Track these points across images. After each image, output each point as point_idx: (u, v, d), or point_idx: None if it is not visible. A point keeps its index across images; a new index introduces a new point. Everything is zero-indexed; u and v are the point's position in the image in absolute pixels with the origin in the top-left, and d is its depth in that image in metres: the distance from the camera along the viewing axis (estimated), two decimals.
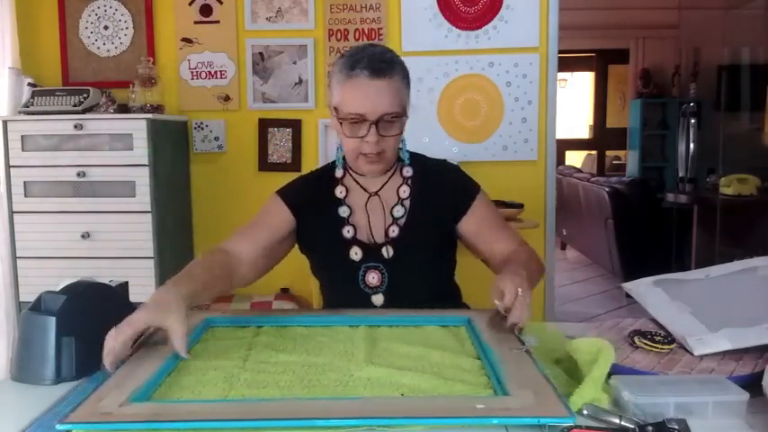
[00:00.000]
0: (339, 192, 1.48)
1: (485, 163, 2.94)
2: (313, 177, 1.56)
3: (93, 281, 1.20)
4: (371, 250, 1.44)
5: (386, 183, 1.48)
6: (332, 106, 1.41)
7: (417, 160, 1.52)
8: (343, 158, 1.50)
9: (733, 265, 1.36)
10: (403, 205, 1.46)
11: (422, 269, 1.46)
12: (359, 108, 1.34)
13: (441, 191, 1.49)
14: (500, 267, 1.36)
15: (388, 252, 1.43)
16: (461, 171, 1.58)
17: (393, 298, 1.44)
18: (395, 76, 1.36)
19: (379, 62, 1.34)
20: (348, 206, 1.47)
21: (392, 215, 1.46)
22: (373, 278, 1.44)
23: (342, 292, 1.50)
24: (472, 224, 1.48)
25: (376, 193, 1.48)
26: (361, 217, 1.47)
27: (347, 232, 1.45)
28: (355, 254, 1.44)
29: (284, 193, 1.51)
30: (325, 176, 1.52)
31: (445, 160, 1.59)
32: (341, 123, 1.38)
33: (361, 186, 1.49)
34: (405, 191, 1.47)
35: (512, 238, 1.48)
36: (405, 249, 1.44)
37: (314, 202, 1.49)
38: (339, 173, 1.50)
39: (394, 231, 1.45)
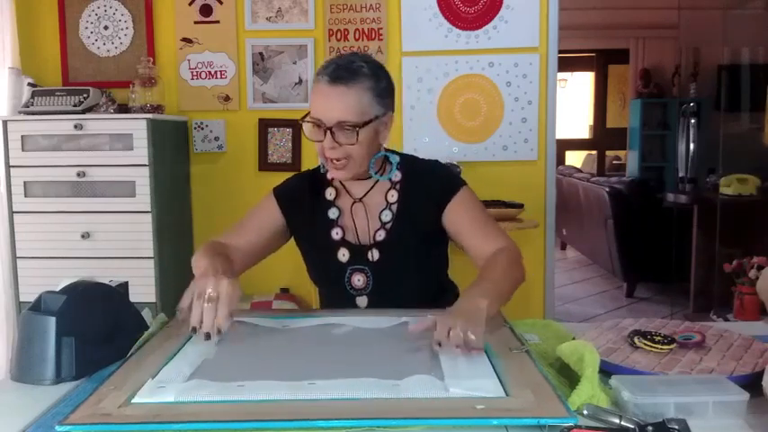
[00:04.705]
0: (329, 193, 1.51)
1: (485, 163, 2.94)
2: (307, 176, 1.58)
3: (93, 281, 1.20)
4: (358, 253, 1.46)
5: (371, 188, 1.49)
6: None
7: (407, 163, 1.52)
8: None
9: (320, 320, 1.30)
10: (390, 210, 1.47)
11: (407, 272, 1.47)
12: (317, 113, 1.36)
13: (427, 190, 1.48)
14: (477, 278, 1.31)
15: (373, 255, 1.45)
16: (447, 169, 1.59)
17: (378, 300, 1.46)
18: (355, 84, 1.35)
19: (343, 70, 1.35)
20: (338, 208, 1.49)
21: (380, 219, 1.47)
22: (359, 280, 1.46)
23: (329, 292, 1.54)
24: (451, 220, 1.46)
25: (360, 199, 1.49)
26: (349, 220, 1.49)
27: (336, 234, 1.48)
28: (342, 255, 1.47)
29: (279, 193, 1.54)
30: (319, 177, 1.54)
31: (436, 161, 1.57)
32: (302, 124, 1.40)
33: (346, 191, 1.51)
34: (393, 195, 1.48)
35: (495, 237, 1.43)
36: (390, 253, 1.46)
37: (306, 201, 1.51)
38: (330, 174, 1.50)
39: (380, 235, 1.46)
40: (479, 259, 1.40)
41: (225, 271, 1.20)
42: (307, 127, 1.39)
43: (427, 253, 1.50)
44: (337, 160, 1.38)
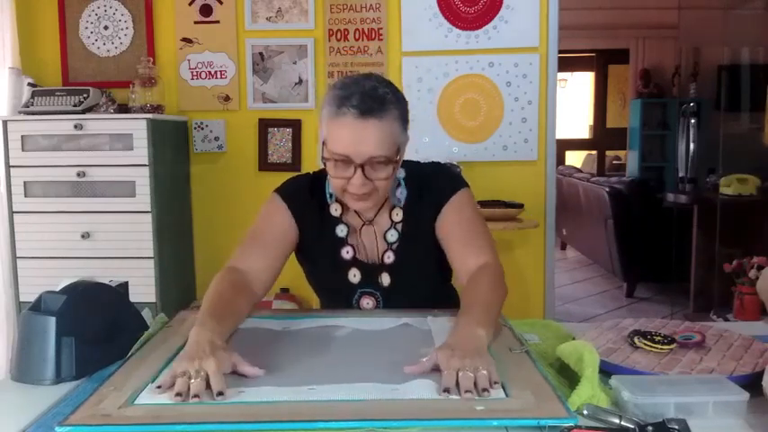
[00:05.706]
0: (335, 209, 1.42)
1: (485, 163, 2.94)
2: (308, 184, 1.46)
3: (93, 281, 1.20)
4: (369, 274, 1.41)
5: (379, 209, 1.41)
6: (321, 139, 1.32)
7: (410, 175, 1.44)
8: None
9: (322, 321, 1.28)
10: (396, 229, 1.41)
11: (417, 294, 1.42)
12: (345, 149, 1.24)
13: (428, 199, 1.41)
14: (461, 303, 1.25)
15: (383, 280, 1.41)
16: (448, 171, 1.51)
17: None
18: (386, 115, 1.25)
19: (371, 100, 1.24)
20: (346, 225, 1.41)
21: (386, 240, 1.41)
22: (368, 303, 1.42)
23: (333, 306, 1.47)
24: (441, 223, 1.39)
25: (370, 221, 1.42)
26: (357, 238, 1.43)
27: (346, 253, 1.41)
28: (353, 276, 1.41)
29: (285, 195, 1.43)
30: (321, 188, 1.44)
31: (438, 163, 1.51)
32: (325, 161, 1.29)
33: (354, 211, 1.41)
34: (398, 214, 1.41)
35: (481, 249, 1.34)
36: (400, 276, 1.41)
37: (313, 212, 1.42)
38: (350, 206, 1.39)
39: (389, 258, 1.41)
40: (460, 271, 1.35)
41: (215, 347, 1.01)
42: (330, 164, 1.28)
43: (436, 266, 1.45)
44: (361, 194, 1.29)
